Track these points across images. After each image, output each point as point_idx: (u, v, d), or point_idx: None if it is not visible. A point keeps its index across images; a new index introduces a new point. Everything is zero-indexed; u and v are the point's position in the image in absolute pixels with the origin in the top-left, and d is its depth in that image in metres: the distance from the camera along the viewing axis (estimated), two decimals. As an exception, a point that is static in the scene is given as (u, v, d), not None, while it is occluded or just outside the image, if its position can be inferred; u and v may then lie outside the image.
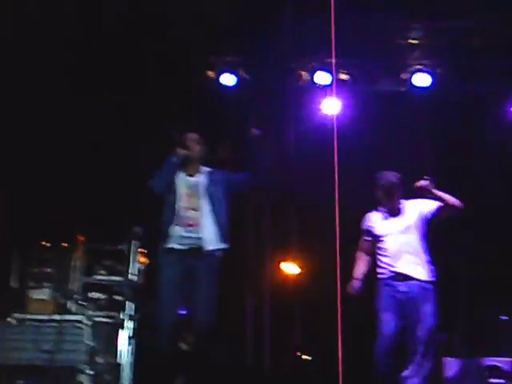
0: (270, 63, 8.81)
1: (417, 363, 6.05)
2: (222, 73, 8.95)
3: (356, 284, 6.28)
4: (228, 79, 8.96)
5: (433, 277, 6.21)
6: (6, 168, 7.78)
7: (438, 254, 6.33)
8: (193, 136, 5.89)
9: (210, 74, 9.01)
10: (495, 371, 7.77)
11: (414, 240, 6.26)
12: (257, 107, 8.90)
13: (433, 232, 6.34)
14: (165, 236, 5.68)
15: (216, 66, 8.97)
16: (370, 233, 6.39)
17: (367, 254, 6.40)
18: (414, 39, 8.41)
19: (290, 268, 10.41)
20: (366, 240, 6.42)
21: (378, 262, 6.29)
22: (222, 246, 5.68)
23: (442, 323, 6.23)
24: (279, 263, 10.39)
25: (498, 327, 8.35)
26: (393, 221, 6.33)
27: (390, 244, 6.25)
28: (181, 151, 5.76)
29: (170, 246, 5.65)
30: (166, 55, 8.48)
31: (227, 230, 5.74)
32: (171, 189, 5.77)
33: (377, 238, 6.32)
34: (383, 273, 6.27)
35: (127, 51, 8.33)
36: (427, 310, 6.13)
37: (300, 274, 10.37)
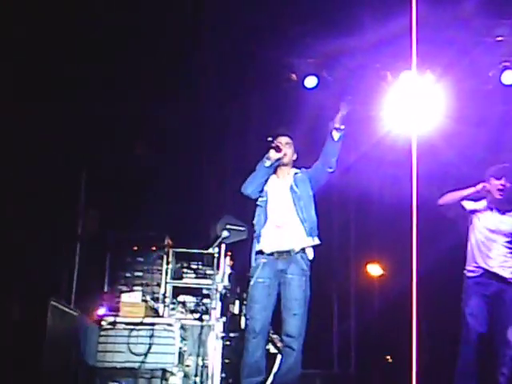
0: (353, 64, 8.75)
1: None
2: (306, 76, 8.93)
3: None
4: (310, 81, 8.93)
5: None
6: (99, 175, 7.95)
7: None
8: (285, 139, 5.93)
9: (293, 76, 9.00)
10: None
11: None
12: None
13: None
14: (257, 238, 5.74)
15: (299, 69, 8.95)
16: None
17: None
18: (499, 36, 8.23)
19: (376, 270, 10.35)
20: None
21: None
22: (311, 242, 5.71)
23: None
24: (366, 265, 10.35)
25: None
26: None
27: None
28: (274, 155, 5.80)
29: (261, 248, 5.72)
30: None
31: (316, 227, 5.75)
32: (263, 192, 5.84)
33: None
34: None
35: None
36: None
37: (384, 275, 10.30)
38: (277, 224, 5.72)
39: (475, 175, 6.55)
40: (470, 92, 8.51)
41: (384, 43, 8.12)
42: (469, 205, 6.42)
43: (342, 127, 5.77)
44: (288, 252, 5.65)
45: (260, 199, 5.84)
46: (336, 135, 5.76)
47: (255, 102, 9.39)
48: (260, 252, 5.73)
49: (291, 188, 5.81)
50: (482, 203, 6.44)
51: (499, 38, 8.23)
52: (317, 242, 5.72)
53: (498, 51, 8.34)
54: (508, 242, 6.30)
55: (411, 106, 8.32)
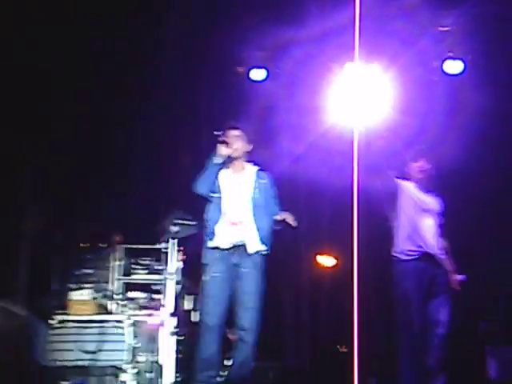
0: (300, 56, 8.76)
1: None
2: (253, 68, 8.91)
3: None
4: (258, 74, 8.92)
5: None
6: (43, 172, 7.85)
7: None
8: (234, 133, 5.83)
9: (240, 69, 8.99)
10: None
11: None
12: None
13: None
14: (210, 235, 5.70)
15: (246, 62, 8.93)
16: None
17: None
18: (445, 26, 8.31)
19: (327, 261, 10.41)
20: None
21: None
22: (264, 248, 5.70)
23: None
24: (316, 256, 10.39)
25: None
26: None
27: None
28: (223, 150, 5.72)
29: (216, 244, 5.68)
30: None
31: (269, 236, 5.75)
32: (215, 187, 5.78)
33: None
34: None
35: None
36: None
37: (335, 266, 10.37)
38: (232, 221, 5.69)
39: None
40: (415, 83, 8.58)
41: (330, 35, 8.16)
42: (398, 180, 6.48)
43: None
44: (243, 246, 5.64)
45: (212, 194, 5.78)
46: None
47: (204, 95, 9.36)
48: (214, 247, 5.70)
49: (253, 195, 5.75)
50: (408, 183, 6.51)
51: (444, 29, 8.32)
52: (266, 250, 5.71)
53: (442, 42, 8.44)
54: (436, 222, 6.39)
55: (356, 97, 8.35)
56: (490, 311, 8.91)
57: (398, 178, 6.50)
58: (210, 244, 5.70)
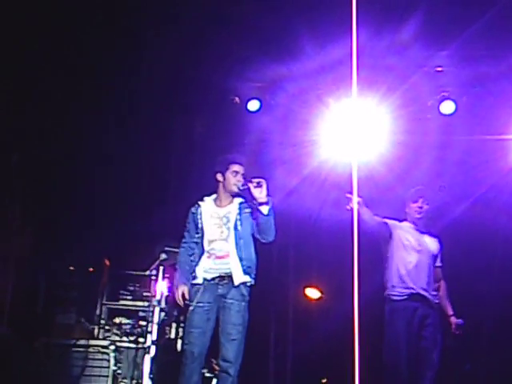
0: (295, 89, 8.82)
1: None
2: (249, 99, 8.97)
3: None
4: (253, 105, 8.98)
5: None
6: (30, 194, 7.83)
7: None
8: (237, 168, 5.86)
9: (237, 100, 9.04)
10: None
11: None
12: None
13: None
14: (193, 273, 5.73)
15: (243, 93, 8.99)
16: None
17: None
18: (439, 66, 8.39)
19: (314, 293, 10.37)
20: None
21: None
22: (247, 280, 5.69)
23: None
24: (304, 289, 10.36)
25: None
26: None
27: None
28: (258, 192, 5.65)
29: (201, 278, 5.70)
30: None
31: (254, 267, 5.75)
32: (198, 228, 5.83)
33: None
34: None
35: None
36: None
37: (322, 299, 10.33)
38: (217, 255, 5.70)
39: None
40: (409, 119, 8.65)
41: (326, 69, 8.23)
42: (391, 222, 6.51)
43: (267, 200, 5.67)
44: (228, 277, 5.64)
45: (195, 235, 5.81)
46: (265, 209, 5.68)
47: (199, 126, 9.41)
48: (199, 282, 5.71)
49: (235, 225, 5.75)
50: (405, 224, 6.55)
51: (438, 69, 8.40)
52: (251, 281, 5.71)
53: (436, 81, 8.52)
54: (430, 262, 6.41)
55: (352, 131, 8.43)
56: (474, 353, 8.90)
57: (394, 218, 6.55)
58: (195, 281, 5.71)
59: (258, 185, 5.64)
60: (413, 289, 6.26)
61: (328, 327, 9.31)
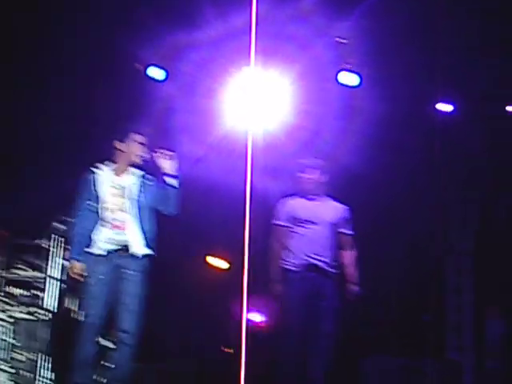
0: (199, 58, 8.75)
1: None
2: (150, 66, 8.84)
3: None
4: (157, 73, 8.87)
5: None
6: None
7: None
8: (138, 138, 5.69)
9: (138, 66, 8.91)
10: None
11: None
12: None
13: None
14: (91, 241, 5.60)
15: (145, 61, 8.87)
16: None
17: None
18: (342, 38, 8.43)
19: (217, 262, 10.41)
20: None
21: None
22: (148, 252, 5.63)
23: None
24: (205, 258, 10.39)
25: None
26: None
27: None
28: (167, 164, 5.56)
29: (98, 248, 5.58)
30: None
31: (154, 239, 5.67)
32: (92, 194, 5.66)
33: None
34: None
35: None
36: None
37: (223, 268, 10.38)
38: (116, 225, 5.60)
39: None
40: (311, 89, 8.68)
41: (228, 38, 8.15)
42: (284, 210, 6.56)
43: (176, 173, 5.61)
44: (127, 248, 5.57)
45: (89, 202, 5.65)
46: (173, 182, 5.59)
47: (101, 94, 9.22)
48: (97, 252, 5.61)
49: (135, 196, 5.63)
50: (297, 197, 6.59)
51: (338, 40, 8.44)
52: (151, 253, 5.66)
53: (339, 52, 8.56)
54: (328, 232, 6.44)
55: (253, 100, 8.42)
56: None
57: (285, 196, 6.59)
58: (92, 250, 5.61)
59: (167, 157, 5.56)
60: (307, 260, 6.30)
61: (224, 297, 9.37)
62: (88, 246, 5.58)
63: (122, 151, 5.70)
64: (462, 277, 10.50)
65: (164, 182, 5.57)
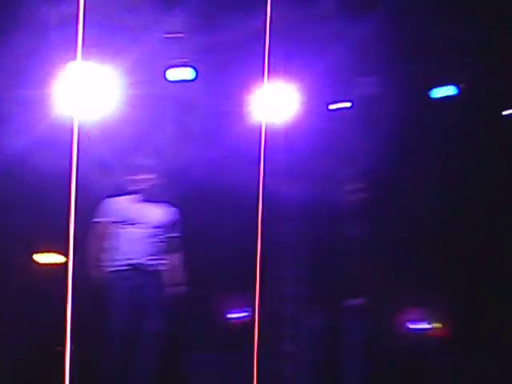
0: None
1: None
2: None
3: None
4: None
5: None
6: None
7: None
8: None
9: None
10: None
11: None
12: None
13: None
14: None
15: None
16: None
17: None
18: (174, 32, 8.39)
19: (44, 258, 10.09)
20: None
21: None
22: None
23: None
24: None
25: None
26: None
27: None
28: None
29: None
30: None
31: None
32: None
33: None
34: None
35: None
36: None
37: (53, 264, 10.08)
38: None
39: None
40: (143, 83, 8.59)
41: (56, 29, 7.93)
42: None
43: None
44: None
45: None
46: None
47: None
48: None
49: None
50: (124, 198, 6.55)
51: (175, 35, 8.40)
52: None
53: (172, 47, 8.52)
54: (153, 234, 6.45)
55: (80, 92, 8.23)
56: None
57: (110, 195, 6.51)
58: None
59: None
60: (130, 260, 6.29)
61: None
62: None
63: None
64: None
65: None
